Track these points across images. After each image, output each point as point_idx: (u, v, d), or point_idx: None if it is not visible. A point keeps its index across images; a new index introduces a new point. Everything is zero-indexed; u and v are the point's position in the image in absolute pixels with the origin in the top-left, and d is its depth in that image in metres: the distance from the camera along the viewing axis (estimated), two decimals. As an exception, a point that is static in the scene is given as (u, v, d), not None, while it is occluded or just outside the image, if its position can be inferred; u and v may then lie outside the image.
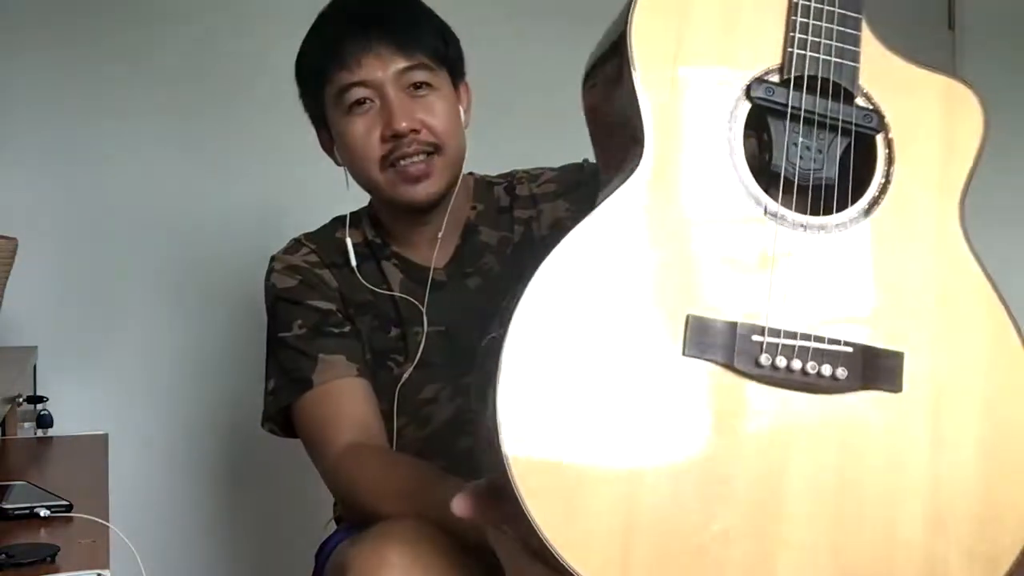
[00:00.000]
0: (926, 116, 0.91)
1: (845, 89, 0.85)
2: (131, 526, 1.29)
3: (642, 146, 0.77)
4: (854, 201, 0.82)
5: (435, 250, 1.26)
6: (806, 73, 0.83)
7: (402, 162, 1.17)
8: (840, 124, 0.83)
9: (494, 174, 1.38)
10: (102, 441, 1.56)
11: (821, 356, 0.76)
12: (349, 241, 1.27)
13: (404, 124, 1.14)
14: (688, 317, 0.74)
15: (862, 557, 0.77)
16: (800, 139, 0.82)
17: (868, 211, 0.82)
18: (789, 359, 0.75)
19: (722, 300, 0.76)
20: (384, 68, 1.14)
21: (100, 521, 1.04)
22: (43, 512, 1.07)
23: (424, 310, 1.24)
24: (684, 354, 0.73)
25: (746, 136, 0.82)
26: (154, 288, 2.28)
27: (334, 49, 1.15)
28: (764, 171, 0.81)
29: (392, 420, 1.22)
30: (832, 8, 0.87)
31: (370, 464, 1.13)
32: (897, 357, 0.78)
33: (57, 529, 1.04)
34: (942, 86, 0.96)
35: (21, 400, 1.80)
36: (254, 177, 2.38)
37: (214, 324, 2.28)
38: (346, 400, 1.19)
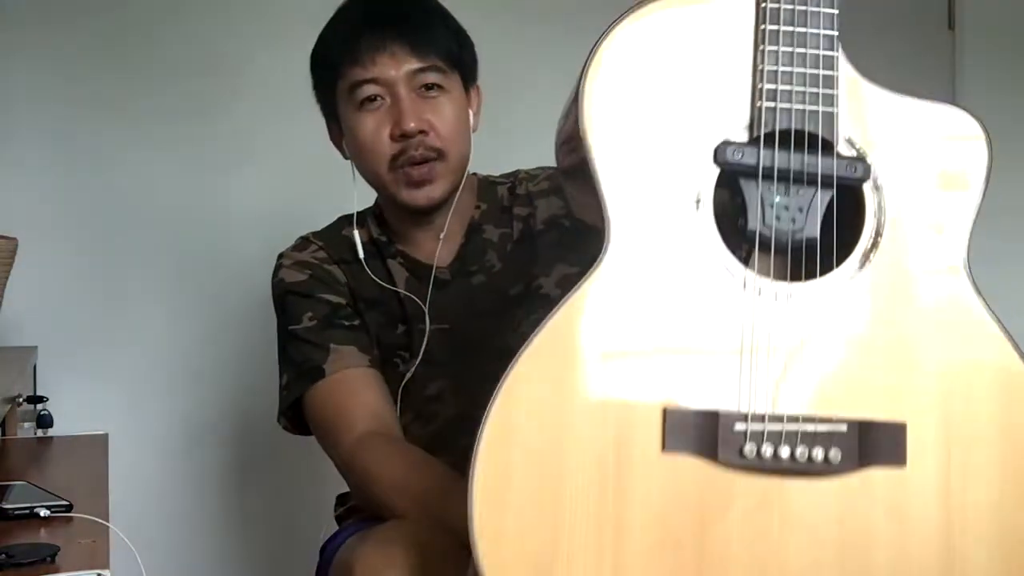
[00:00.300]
0: (920, 153, 0.82)
1: (824, 138, 0.76)
2: (131, 526, 1.29)
3: (606, 229, 0.71)
4: (842, 260, 0.75)
5: (439, 249, 1.26)
6: (777, 128, 0.74)
7: (407, 167, 1.18)
8: (819, 178, 0.75)
9: (497, 174, 1.39)
10: (102, 441, 1.56)
11: (812, 439, 0.69)
12: (357, 235, 1.27)
13: (413, 124, 1.15)
14: (664, 410, 0.68)
15: None
16: (777, 199, 0.75)
17: (860, 267, 0.75)
18: (776, 446, 0.68)
19: (701, 388, 0.69)
20: (397, 67, 1.15)
21: (100, 521, 1.04)
22: (43, 512, 1.06)
23: (426, 308, 1.24)
24: (664, 450, 0.68)
25: (724, 200, 0.75)
26: (154, 288, 2.28)
27: (350, 45, 1.16)
28: (743, 236, 0.74)
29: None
30: (803, 50, 0.79)
31: (390, 460, 1.12)
32: (899, 428, 0.71)
33: (57, 529, 1.04)
34: (938, 117, 0.85)
35: (21, 400, 1.80)
36: (255, 177, 2.38)
37: (214, 324, 2.28)
38: (360, 388, 1.19)
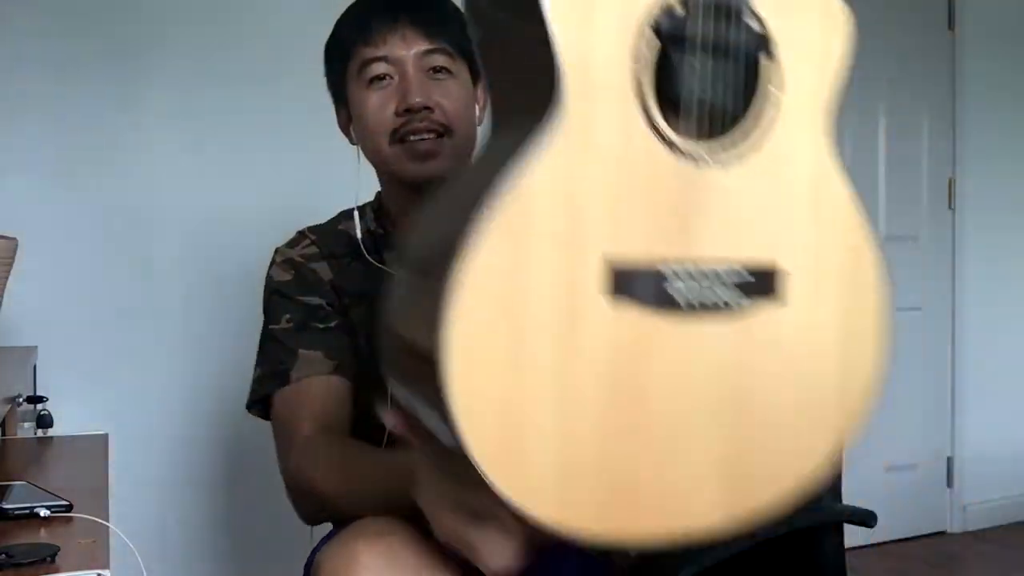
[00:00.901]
0: (807, 34, 0.89)
1: (737, 12, 0.82)
2: (131, 526, 1.29)
3: (553, 88, 0.76)
4: (749, 128, 0.83)
5: None
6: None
7: (412, 137, 1.18)
8: (731, 49, 0.82)
9: None
10: (102, 441, 1.56)
11: (717, 280, 0.80)
12: (358, 225, 1.27)
13: (418, 100, 1.16)
14: (608, 262, 0.78)
15: (752, 465, 0.84)
16: (701, 68, 0.81)
17: (748, 137, 0.82)
18: (701, 291, 0.78)
19: (631, 242, 0.79)
20: (407, 47, 1.17)
21: (100, 521, 1.04)
22: (43, 512, 1.06)
23: None
24: (607, 296, 0.77)
25: (656, 68, 0.80)
26: (154, 288, 2.28)
27: (362, 26, 1.19)
28: (671, 104, 0.80)
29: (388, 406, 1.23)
30: None
31: (328, 459, 1.15)
32: (778, 274, 0.83)
33: (57, 529, 1.04)
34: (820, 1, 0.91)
35: (21, 400, 1.80)
36: (256, 178, 2.38)
37: (214, 324, 2.28)
38: (313, 398, 1.21)
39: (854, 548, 3.24)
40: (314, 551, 1.31)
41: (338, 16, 1.27)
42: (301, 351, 1.22)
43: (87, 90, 2.24)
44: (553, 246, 0.76)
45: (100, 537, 1.01)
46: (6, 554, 0.92)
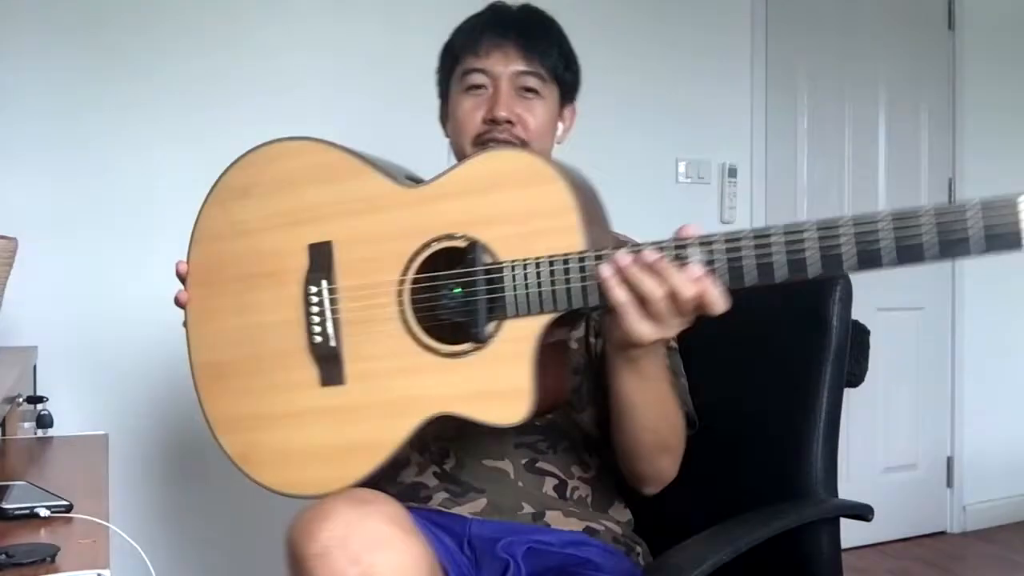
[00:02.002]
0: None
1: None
2: (131, 526, 1.28)
3: None
4: None
5: None
6: None
7: (491, 144, 1.28)
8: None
9: None
10: (102, 441, 1.56)
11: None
12: None
13: (503, 113, 1.27)
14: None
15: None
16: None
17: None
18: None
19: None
20: (505, 64, 1.29)
21: (100, 521, 1.04)
22: (43, 512, 1.06)
23: None
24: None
25: None
26: (154, 288, 2.27)
27: (473, 39, 1.31)
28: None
29: None
30: None
31: None
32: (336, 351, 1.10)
33: (57, 529, 1.04)
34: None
35: (21, 400, 1.80)
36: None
37: (214, 324, 2.28)
38: None
39: (854, 548, 3.24)
40: None
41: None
42: None
43: (87, 90, 2.24)
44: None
45: (100, 537, 1.00)
46: (6, 554, 0.91)
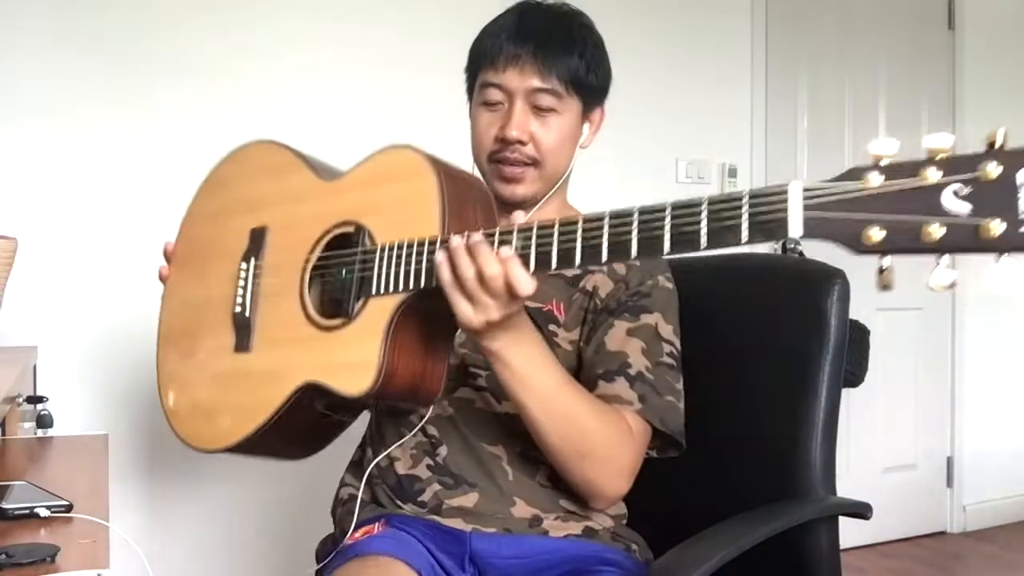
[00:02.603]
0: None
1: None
2: (131, 526, 1.28)
3: None
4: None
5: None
6: None
7: (503, 163, 1.28)
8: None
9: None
10: (102, 441, 1.56)
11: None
12: None
13: (514, 134, 1.26)
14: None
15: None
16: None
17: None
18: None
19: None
20: (521, 81, 1.27)
21: (100, 521, 1.04)
22: (43, 512, 1.06)
23: None
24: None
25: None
26: (154, 288, 2.28)
27: (492, 51, 1.29)
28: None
29: None
30: None
31: None
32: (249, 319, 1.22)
33: (57, 529, 1.04)
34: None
35: (21, 400, 1.80)
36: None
37: (214, 324, 2.28)
38: None
39: (854, 548, 3.24)
40: (323, 543, 1.32)
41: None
42: None
43: (87, 91, 2.24)
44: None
45: (100, 537, 1.01)
46: (6, 554, 0.92)
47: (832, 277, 1.32)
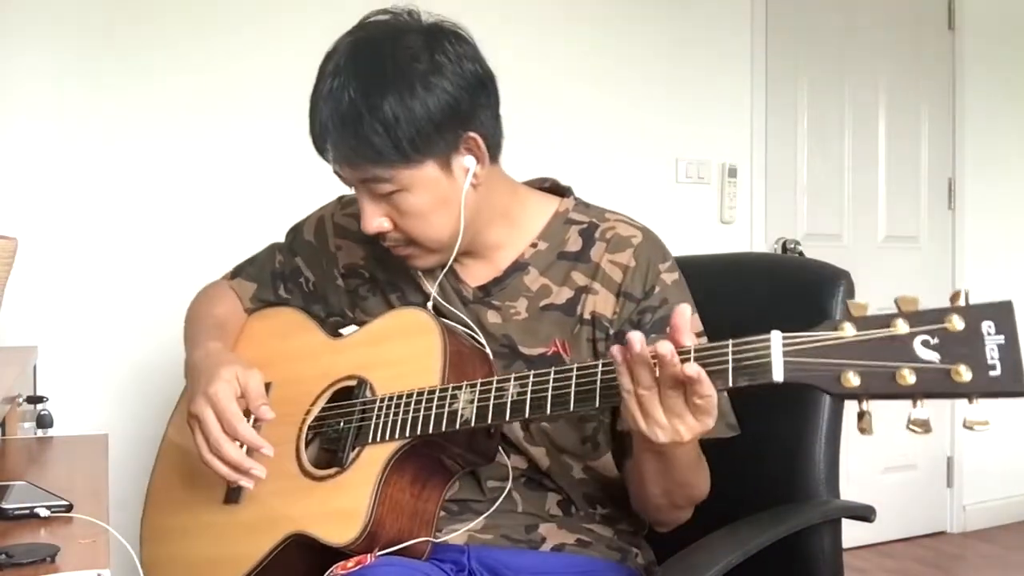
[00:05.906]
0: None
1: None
2: (131, 526, 1.28)
3: None
4: None
5: (472, 269, 1.26)
6: None
7: (389, 247, 1.21)
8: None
9: (589, 205, 1.29)
10: (102, 441, 1.55)
11: None
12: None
13: (371, 228, 1.17)
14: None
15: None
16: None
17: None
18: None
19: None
20: (351, 173, 1.15)
21: (100, 522, 1.04)
22: (43, 512, 1.06)
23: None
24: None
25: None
26: (154, 288, 2.28)
27: (315, 141, 1.17)
28: None
29: None
30: None
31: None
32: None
33: (57, 529, 1.04)
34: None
35: (21, 400, 1.80)
36: (256, 179, 2.38)
37: (214, 324, 2.28)
38: (221, 301, 1.46)
39: (854, 548, 3.24)
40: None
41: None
42: (249, 270, 1.44)
43: (88, 91, 2.24)
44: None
45: (100, 537, 1.00)
46: (6, 554, 0.91)
47: (837, 277, 1.31)
